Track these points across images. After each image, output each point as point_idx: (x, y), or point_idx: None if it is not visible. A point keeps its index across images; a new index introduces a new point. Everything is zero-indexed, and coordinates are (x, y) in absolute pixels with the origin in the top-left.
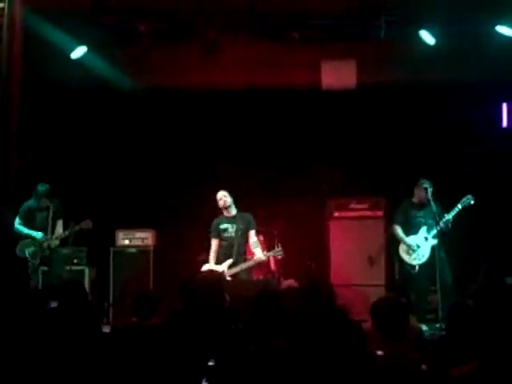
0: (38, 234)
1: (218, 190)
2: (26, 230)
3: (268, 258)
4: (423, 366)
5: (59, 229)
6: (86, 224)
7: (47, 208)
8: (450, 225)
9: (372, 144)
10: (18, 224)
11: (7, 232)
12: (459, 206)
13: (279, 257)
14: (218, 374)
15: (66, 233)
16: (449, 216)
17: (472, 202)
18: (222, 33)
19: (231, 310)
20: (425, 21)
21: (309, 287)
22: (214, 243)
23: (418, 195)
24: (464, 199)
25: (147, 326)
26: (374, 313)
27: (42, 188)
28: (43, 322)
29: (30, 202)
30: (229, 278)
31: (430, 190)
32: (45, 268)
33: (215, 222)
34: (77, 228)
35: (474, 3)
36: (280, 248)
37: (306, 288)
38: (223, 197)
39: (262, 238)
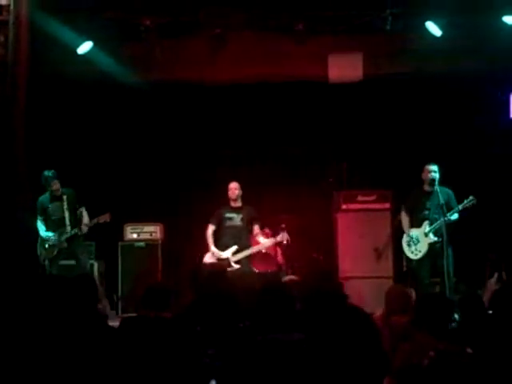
0: (49, 235)
1: (225, 183)
2: (40, 232)
3: (274, 248)
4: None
5: (86, 217)
6: (105, 217)
7: (61, 198)
8: (453, 219)
9: (379, 136)
10: (39, 221)
11: (21, 230)
12: (460, 207)
13: (285, 241)
14: (228, 369)
15: (92, 222)
16: (450, 217)
17: (474, 203)
18: (228, 27)
19: (238, 304)
20: (431, 12)
21: (315, 279)
22: (211, 229)
23: (425, 181)
24: (466, 201)
25: (158, 318)
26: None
27: (48, 173)
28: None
29: (43, 197)
30: (234, 265)
31: (436, 175)
32: (71, 262)
33: (219, 210)
34: (95, 221)
35: None
36: (285, 233)
37: (312, 280)
38: (236, 188)
39: (268, 230)
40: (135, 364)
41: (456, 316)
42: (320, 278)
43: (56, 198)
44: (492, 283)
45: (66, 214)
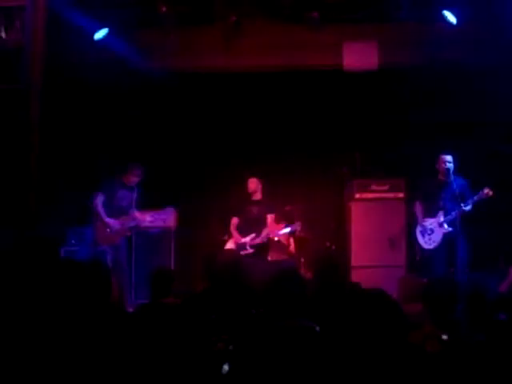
0: None
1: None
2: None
3: (287, 238)
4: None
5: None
6: None
7: None
8: (467, 209)
9: (393, 125)
10: None
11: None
12: (475, 197)
13: (298, 231)
14: (240, 353)
15: None
16: (465, 207)
17: (490, 195)
18: (243, 15)
19: (252, 291)
20: (448, 0)
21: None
22: (235, 221)
23: (440, 171)
24: (481, 192)
25: (170, 304)
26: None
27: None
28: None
29: None
30: (249, 249)
31: (451, 164)
32: None
33: (239, 202)
34: None
35: None
36: (298, 222)
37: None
38: (255, 184)
39: (282, 220)
40: (148, 349)
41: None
42: (328, 268)
43: None
44: None
45: None
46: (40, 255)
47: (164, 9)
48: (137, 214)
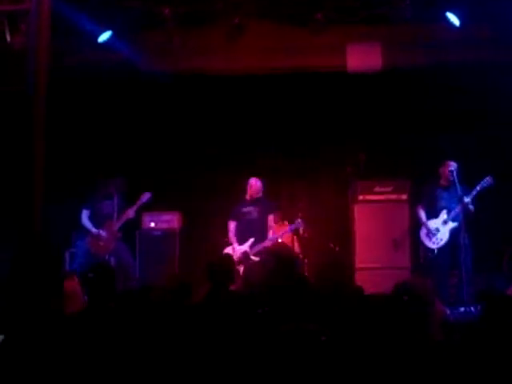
0: None
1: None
2: None
3: (291, 238)
4: None
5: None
6: None
7: None
8: (470, 207)
9: (397, 126)
10: None
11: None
12: (478, 187)
13: (300, 230)
14: (248, 356)
15: None
16: (468, 198)
17: (491, 183)
18: (246, 17)
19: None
20: (451, 2)
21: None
22: (232, 225)
23: (443, 175)
24: (483, 181)
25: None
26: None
27: None
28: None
29: None
30: (253, 258)
31: (455, 171)
32: None
33: (237, 207)
34: None
35: None
36: (301, 221)
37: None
38: (257, 186)
39: (286, 221)
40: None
41: (472, 309)
42: (332, 270)
43: None
44: None
45: None
46: (45, 261)
47: (167, 11)
48: (120, 215)
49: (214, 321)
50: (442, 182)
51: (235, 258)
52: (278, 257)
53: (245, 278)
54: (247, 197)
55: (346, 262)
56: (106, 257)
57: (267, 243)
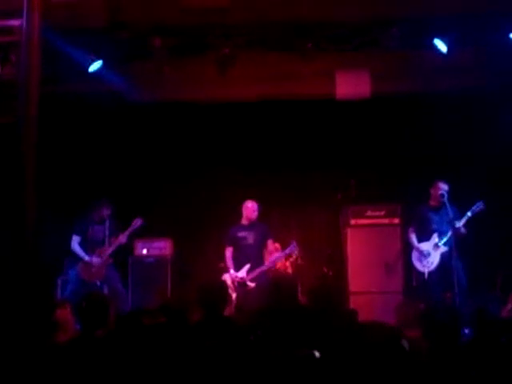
0: None
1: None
2: None
3: (284, 263)
4: None
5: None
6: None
7: None
8: (462, 230)
9: (387, 152)
10: None
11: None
12: (469, 213)
13: (294, 255)
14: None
15: None
16: (459, 223)
17: (483, 209)
18: (236, 46)
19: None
20: (439, 29)
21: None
22: (229, 251)
23: (434, 196)
24: (474, 206)
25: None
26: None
27: None
28: None
29: None
30: (250, 284)
31: (446, 192)
32: None
33: (231, 230)
34: None
35: (488, 11)
36: (295, 246)
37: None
38: (254, 209)
39: (278, 245)
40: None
41: (466, 331)
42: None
43: None
44: None
45: None
46: (36, 286)
47: (157, 42)
48: (112, 240)
49: (207, 346)
50: (433, 202)
51: (232, 283)
52: (279, 286)
53: (239, 304)
54: (243, 220)
55: (340, 287)
56: (98, 283)
57: (264, 268)
